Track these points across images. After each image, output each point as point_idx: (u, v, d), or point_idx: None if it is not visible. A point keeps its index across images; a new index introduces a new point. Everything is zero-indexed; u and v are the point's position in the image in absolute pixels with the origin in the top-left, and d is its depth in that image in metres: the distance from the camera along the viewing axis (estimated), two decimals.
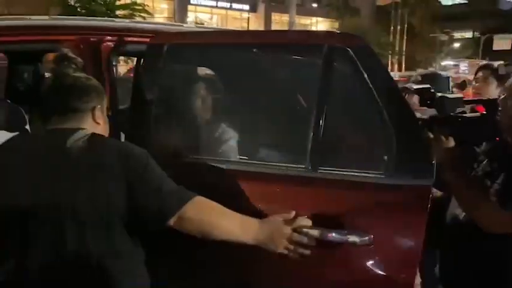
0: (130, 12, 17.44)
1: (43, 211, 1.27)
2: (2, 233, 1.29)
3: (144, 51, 1.77)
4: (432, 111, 1.82)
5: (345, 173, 1.59)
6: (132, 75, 4.43)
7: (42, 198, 1.27)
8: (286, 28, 24.13)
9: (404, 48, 37.04)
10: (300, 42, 1.77)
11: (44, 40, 1.85)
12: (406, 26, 36.84)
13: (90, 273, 1.31)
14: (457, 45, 40.44)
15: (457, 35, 41.30)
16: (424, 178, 1.52)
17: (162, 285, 1.53)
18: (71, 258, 1.29)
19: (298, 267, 1.51)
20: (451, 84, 2.70)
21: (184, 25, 2.39)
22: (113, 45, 1.88)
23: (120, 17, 17.07)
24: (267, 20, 38.17)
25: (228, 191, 1.61)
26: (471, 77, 3.31)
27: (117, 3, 17.23)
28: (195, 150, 1.90)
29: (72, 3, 17.27)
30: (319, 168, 1.58)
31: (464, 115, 1.71)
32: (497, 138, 1.72)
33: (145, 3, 18.81)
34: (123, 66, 16.51)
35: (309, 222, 1.45)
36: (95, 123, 1.45)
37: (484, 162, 1.79)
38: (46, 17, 2.10)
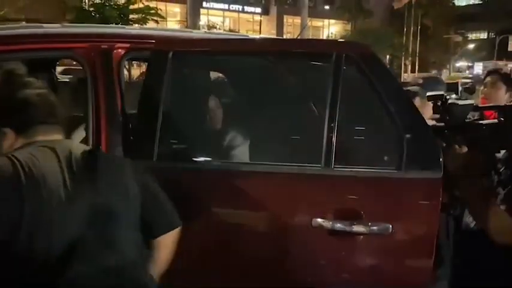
0: (144, 16, 17.59)
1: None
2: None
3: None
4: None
5: (358, 169, 1.73)
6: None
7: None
8: (298, 30, 24.09)
9: (417, 50, 36.72)
10: (308, 50, 1.88)
11: (56, 48, 1.89)
12: (419, 27, 36.55)
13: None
14: (471, 46, 40.01)
15: (472, 35, 40.86)
16: (433, 171, 1.64)
17: None
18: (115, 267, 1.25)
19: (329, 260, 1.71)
20: (460, 88, 2.66)
21: (194, 31, 2.41)
22: (123, 52, 1.90)
23: (133, 21, 17.27)
24: (279, 23, 38.19)
25: (250, 192, 1.74)
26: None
27: (131, 7, 17.40)
28: (212, 154, 1.94)
29: (87, 8, 17.50)
30: (335, 166, 1.70)
31: (480, 122, 1.69)
32: None
33: (158, 7, 18.96)
34: (136, 70, 16.70)
35: None
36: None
37: (501, 171, 1.75)
38: (58, 25, 2.14)
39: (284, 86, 2.08)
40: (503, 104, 1.85)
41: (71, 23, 16.90)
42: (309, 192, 1.74)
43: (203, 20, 32.12)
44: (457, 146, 1.65)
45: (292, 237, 1.74)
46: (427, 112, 1.90)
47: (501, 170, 1.73)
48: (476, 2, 42.10)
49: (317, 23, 39.96)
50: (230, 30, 31.95)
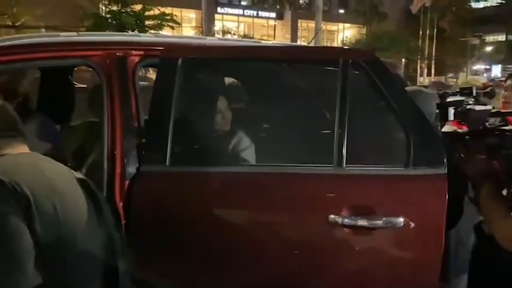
0: (159, 22, 17.77)
1: None
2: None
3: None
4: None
5: (368, 168, 1.84)
6: None
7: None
8: (313, 35, 24.03)
9: (433, 53, 36.32)
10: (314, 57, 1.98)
11: (72, 56, 1.95)
12: (435, 30, 36.17)
13: None
14: (489, 48, 39.41)
15: (489, 38, 40.24)
16: (437, 167, 1.78)
17: None
18: None
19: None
20: (474, 92, 2.60)
21: (208, 38, 2.45)
22: (138, 59, 1.94)
23: (149, 27, 17.46)
24: (294, 27, 38.20)
25: (266, 192, 1.84)
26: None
27: (147, 14, 17.59)
28: (226, 157, 2.01)
29: (104, 15, 17.75)
30: (347, 165, 1.81)
31: (503, 128, 1.67)
32: None
33: (174, 13, 19.13)
34: (153, 75, 16.87)
35: None
36: None
37: None
38: (74, 34, 2.20)
39: (294, 91, 2.14)
40: None
41: (88, 29, 17.19)
42: (323, 191, 1.83)
43: (218, 26, 32.30)
44: (476, 153, 1.64)
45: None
46: None
47: None
48: (494, 4, 41.47)
49: (331, 27, 39.83)
50: (245, 35, 32.09)
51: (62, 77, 2.60)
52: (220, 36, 29.03)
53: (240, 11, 37.90)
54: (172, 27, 19.19)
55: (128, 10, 17.28)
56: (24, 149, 1.31)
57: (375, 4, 35.84)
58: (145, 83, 4.01)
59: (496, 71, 35.70)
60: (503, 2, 38.97)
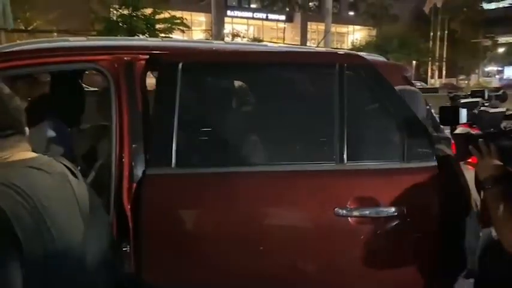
0: (170, 26, 17.89)
1: None
2: None
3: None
4: None
5: (367, 163, 1.98)
6: None
7: None
8: (322, 37, 24.02)
9: (444, 55, 36.05)
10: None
11: (81, 60, 1.98)
12: (446, 31, 35.91)
13: None
14: (501, 50, 39.00)
15: (502, 39, 39.80)
16: (428, 161, 1.98)
17: None
18: None
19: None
20: (486, 94, 2.56)
21: (215, 42, 2.47)
22: (145, 64, 1.97)
23: (159, 31, 17.58)
24: (303, 30, 38.20)
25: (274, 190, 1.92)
26: None
27: (157, 17, 17.72)
28: (232, 158, 2.02)
29: (115, 19, 17.92)
30: (348, 161, 1.95)
31: None
32: None
33: (184, 17, 19.26)
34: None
35: None
36: None
37: None
38: (84, 39, 2.23)
39: (294, 93, 2.19)
40: None
41: (99, 33, 17.36)
42: (327, 186, 1.95)
43: (228, 29, 32.42)
44: (488, 155, 1.63)
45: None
46: None
47: None
48: (506, 5, 41.03)
49: (341, 29, 39.80)
50: (254, 38, 32.16)
51: (72, 80, 2.64)
52: (229, 39, 29.14)
53: (250, 14, 38.03)
54: (183, 31, 19.31)
55: (139, 14, 17.42)
56: (24, 149, 1.13)
57: (385, 6, 35.71)
58: None
59: (509, 72, 35.37)
60: None
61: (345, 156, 1.94)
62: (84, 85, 2.87)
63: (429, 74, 37.28)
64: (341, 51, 2.50)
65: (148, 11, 17.63)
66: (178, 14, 19.27)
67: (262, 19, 38.40)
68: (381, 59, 2.44)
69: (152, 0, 17.91)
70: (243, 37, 32.79)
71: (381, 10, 35.40)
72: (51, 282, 0.94)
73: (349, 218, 1.89)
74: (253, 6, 38.53)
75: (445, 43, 35.81)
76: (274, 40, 35.47)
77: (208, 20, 29.99)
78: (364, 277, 1.95)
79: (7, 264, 0.85)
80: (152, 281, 1.79)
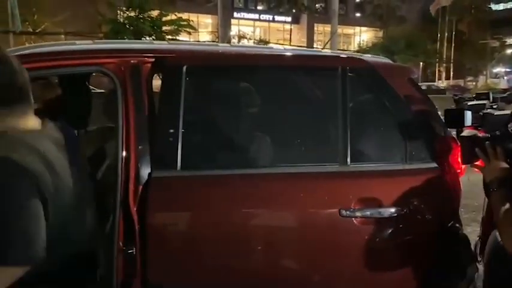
0: (176, 27, 17.95)
1: None
2: None
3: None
4: None
5: (370, 165, 2.03)
6: None
7: None
8: (328, 38, 24.01)
9: (452, 56, 35.85)
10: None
11: (87, 64, 2.00)
12: (454, 32, 35.71)
13: None
14: (509, 51, 38.69)
15: (510, 40, 39.51)
16: (429, 163, 2.04)
17: None
18: None
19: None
20: (491, 96, 2.56)
21: (220, 44, 2.48)
22: (151, 66, 1.98)
23: (166, 33, 17.64)
24: (310, 31, 38.17)
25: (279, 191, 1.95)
26: None
27: (164, 19, 17.78)
28: (237, 160, 2.04)
29: (122, 21, 18.00)
30: (351, 163, 1.99)
31: None
32: None
33: (190, 19, 19.31)
34: None
35: None
36: None
37: None
38: (90, 42, 2.25)
39: (297, 96, 2.21)
40: None
41: (106, 35, 17.46)
42: (331, 188, 1.98)
43: (234, 30, 32.47)
44: (494, 158, 1.63)
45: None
46: None
47: None
48: None
49: (348, 30, 39.73)
50: (260, 40, 32.19)
51: (79, 82, 2.66)
52: (236, 40, 29.17)
53: (256, 16, 38.07)
54: (189, 33, 19.36)
55: (145, 16, 17.49)
56: (33, 117, 1.30)
57: (392, 7, 35.60)
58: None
59: None
60: None
61: (348, 158, 1.98)
62: (91, 87, 2.89)
63: (436, 75, 37.10)
64: (344, 55, 2.50)
65: (155, 13, 17.70)
66: (184, 15, 19.30)
67: (268, 21, 38.42)
68: (387, 61, 2.44)
69: (159, 2, 17.99)
70: (249, 39, 32.84)
71: (388, 11, 35.28)
72: (58, 212, 1.23)
73: (353, 218, 1.91)
74: (259, 8, 38.56)
75: (453, 44, 35.61)
76: (281, 42, 35.49)
77: (214, 21, 30.08)
78: (367, 277, 1.97)
79: (35, 202, 1.17)
80: (158, 283, 1.80)
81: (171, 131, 1.88)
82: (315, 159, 2.03)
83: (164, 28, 17.85)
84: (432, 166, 2.02)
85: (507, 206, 1.58)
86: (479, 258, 2.25)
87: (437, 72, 37.18)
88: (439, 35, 35.41)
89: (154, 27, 17.53)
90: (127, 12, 17.82)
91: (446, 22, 35.68)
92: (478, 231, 2.40)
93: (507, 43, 39.44)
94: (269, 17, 38.27)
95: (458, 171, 2.09)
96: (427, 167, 2.02)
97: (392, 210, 1.94)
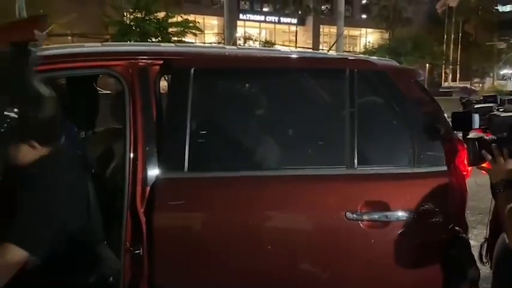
0: (182, 29, 18.00)
1: None
2: None
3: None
4: None
5: (378, 168, 2.01)
6: None
7: None
8: (334, 40, 23.99)
9: (458, 58, 35.67)
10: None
11: (95, 66, 2.01)
12: (460, 34, 35.55)
13: None
14: None
15: None
16: (438, 166, 2.01)
17: None
18: None
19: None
20: (498, 99, 2.54)
21: (227, 47, 2.49)
22: (159, 69, 1.99)
23: (172, 34, 17.70)
24: (315, 33, 38.14)
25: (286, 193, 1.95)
26: None
27: (170, 21, 17.84)
28: (244, 162, 2.05)
29: (128, 23, 18.08)
30: (358, 166, 1.98)
31: None
32: None
33: (196, 20, 19.35)
34: None
35: None
36: None
37: None
38: (99, 44, 2.27)
39: (305, 99, 2.21)
40: None
41: (113, 36, 17.55)
42: (338, 190, 1.98)
43: (240, 32, 32.50)
44: (501, 160, 1.63)
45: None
46: None
47: None
48: None
49: (354, 32, 39.63)
50: (266, 42, 32.19)
51: (86, 83, 2.68)
52: (241, 42, 29.20)
53: (262, 17, 38.07)
54: (195, 34, 19.40)
55: (152, 17, 17.55)
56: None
57: (399, 9, 35.48)
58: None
59: None
60: None
61: (355, 160, 1.96)
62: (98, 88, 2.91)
63: (443, 77, 36.94)
64: (351, 57, 2.49)
65: (161, 14, 17.77)
66: (190, 17, 19.35)
67: (274, 22, 38.40)
68: (393, 63, 2.43)
69: (165, 4, 18.05)
70: (255, 40, 32.85)
71: (394, 13, 35.17)
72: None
73: (359, 222, 1.90)
74: (265, 9, 38.56)
75: (459, 46, 35.45)
76: (286, 43, 35.49)
77: (220, 23, 30.12)
78: (373, 280, 1.97)
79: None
80: (165, 283, 1.81)
81: (179, 132, 1.89)
82: (322, 162, 2.03)
83: (170, 30, 17.91)
84: (440, 169, 2.01)
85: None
86: (485, 260, 2.24)
87: (443, 74, 37.01)
88: (445, 36, 35.27)
89: (160, 29, 17.59)
90: (133, 14, 17.91)
91: (452, 23, 35.54)
92: (485, 233, 2.39)
93: None
94: (275, 18, 38.26)
95: (465, 173, 2.07)
96: (435, 170, 2.00)
97: (400, 214, 1.93)
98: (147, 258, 1.80)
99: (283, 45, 34.18)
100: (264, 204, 1.92)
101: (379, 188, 1.99)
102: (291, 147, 2.09)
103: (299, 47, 33.64)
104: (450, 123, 2.16)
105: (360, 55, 3.89)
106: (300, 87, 2.19)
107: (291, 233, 1.94)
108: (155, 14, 17.65)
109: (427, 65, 32.41)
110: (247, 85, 2.31)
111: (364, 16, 40.24)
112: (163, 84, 2.17)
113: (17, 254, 1.38)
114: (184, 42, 17.15)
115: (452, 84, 33.88)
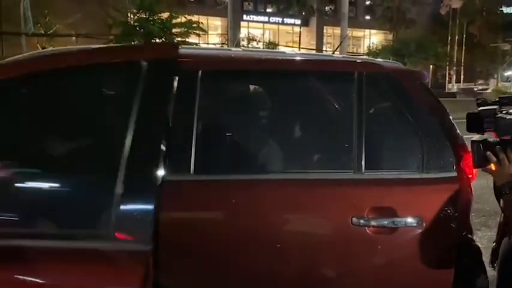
0: (186, 30, 18.03)
1: None
2: None
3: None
4: None
5: (386, 173, 1.98)
6: None
7: None
8: (338, 41, 23.98)
9: (462, 59, 35.59)
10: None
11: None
12: (464, 35, 35.46)
13: None
14: None
15: None
16: (448, 172, 1.97)
17: None
18: None
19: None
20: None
21: (233, 49, 2.50)
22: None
23: (176, 35, 17.74)
24: (319, 34, 38.13)
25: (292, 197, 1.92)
26: None
27: (173, 21, 17.88)
28: (250, 166, 2.04)
29: (132, 23, 18.14)
30: (366, 171, 1.95)
31: None
32: None
33: (200, 21, 19.38)
34: None
35: None
36: None
37: None
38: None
39: (312, 102, 2.19)
40: None
41: (117, 37, 17.60)
42: (344, 195, 1.94)
43: (243, 33, 32.54)
44: (506, 162, 1.63)
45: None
46: None
47: None
48: None
49: (358, 33, 39.60)
50: (270, 43, 32.22)
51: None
52: (245, 43, 29.21)
53: (266, 18, 38.10)
54: (199, 35, 19.44)
55: (155, 18, 17.60)
56: None
57: (402, 10, 35.45)
58: None
59: None
60: None
61: (363, 165, 1.94)
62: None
63: (447, 78, 36.86)
64: (359, 59, 2.48)
65: (165, 15, 17.81)
66: (194, 18, 19.38)
67: (277, 23, 38.43)
68: (397, 65, 2.43)
69: (169, 4, 18.09)
70: (259, 41, 32.88)
71: (398, 14, 35.14)
72: None
73: (366, 227, 1.87)
74: (269, 10, 38.60)
75: (463, 47, 35.37)
76: (290, 44, 35.50)
77: (224, 24, 30.19)
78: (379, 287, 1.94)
79: None
80: (170, 284, 1.82)
81: (185, 135, 1.88)
82: (329, 166, 2.01)
83: (174, 30, 17.95)
84: (450, 175, 1.96)
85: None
86: (495, 264, 2.23)
87: (447, 75, 36.95)
88: (449, 38, 35.20)
89: (164, 29, 17.63)
90: (137, 15, 17.96)
91: (457, 25, 35.48)
92: (488, 236, 2.39)
93: None
94: (278, 19, 38.29)
95: (470, 176, 2.05)
96: (445, 176, 1.96)
97: (408, 220, 1.90)
98: (153, 261, 1.80)
99: (286, 46, 34.20)
100: (270, 208, 1.90)
101: (386, 194, 1.95)
102: (298, 151, 2.08)
103: (303, 48, 33.67)
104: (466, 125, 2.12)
105: (365, 56, 3.86)
106: (307, 90, 2.18)
107: (295, 237, 1.92)
108: (159, 15, 17.70)
109: (431, 66, 32.37)
110: (254, 88, 2.30)
111: (368, 17, 40.22)
112: None
113: None
114: (187, 43, 17.19)
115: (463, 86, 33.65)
